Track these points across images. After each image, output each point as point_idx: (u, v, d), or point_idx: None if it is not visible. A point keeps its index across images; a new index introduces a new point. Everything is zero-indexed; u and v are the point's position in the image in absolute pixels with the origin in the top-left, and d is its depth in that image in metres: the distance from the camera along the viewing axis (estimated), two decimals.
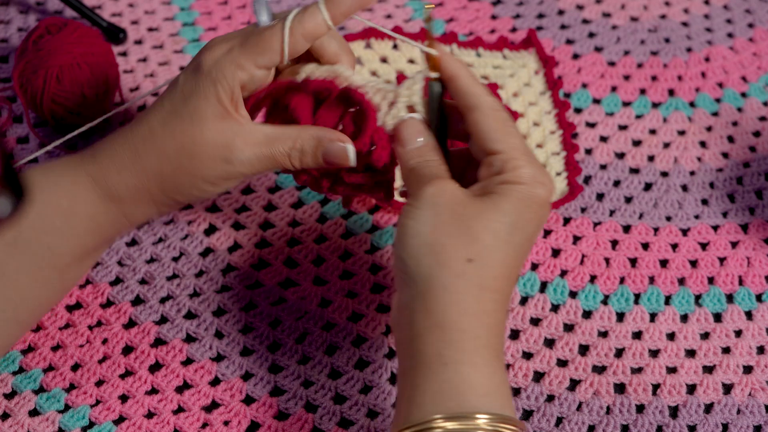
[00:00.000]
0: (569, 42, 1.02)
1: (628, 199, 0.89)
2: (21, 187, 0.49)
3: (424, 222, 0.64)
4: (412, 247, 0.64)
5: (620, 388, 0.77)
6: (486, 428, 0.60)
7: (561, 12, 1.05)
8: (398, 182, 0.79)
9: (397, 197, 0.75)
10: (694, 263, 0.85)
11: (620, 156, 0.93)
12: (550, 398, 0.76)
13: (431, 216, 0.64)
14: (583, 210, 0.88)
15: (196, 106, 0.67)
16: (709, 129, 0.95)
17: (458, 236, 0.63)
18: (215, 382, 0.76)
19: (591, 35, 1.03)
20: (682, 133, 0.95)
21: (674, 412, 0.76)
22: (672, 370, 0.78)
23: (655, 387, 0.77)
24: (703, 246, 0.86)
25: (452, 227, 0.64)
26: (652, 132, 0.95)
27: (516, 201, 0.64)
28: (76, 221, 0.69)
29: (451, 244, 0.63)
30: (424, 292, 0.63)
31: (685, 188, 0.90)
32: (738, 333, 0.81)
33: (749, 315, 0.82)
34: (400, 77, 0.91)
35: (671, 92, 0.98)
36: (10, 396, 0.75)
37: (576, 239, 0.86)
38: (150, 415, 0.75)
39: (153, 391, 0.76)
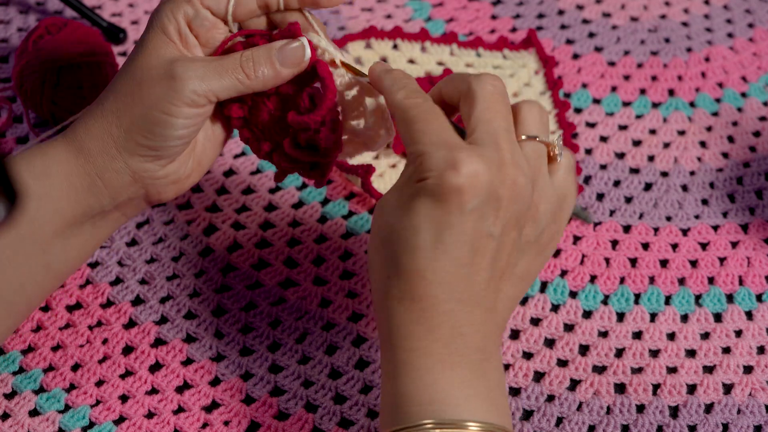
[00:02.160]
0: (569, 42, 1.02)
1: (628, 199, 0.89)
2: (15, 191, 0.49)
3: (370, 241, 0.66)
4: (368, 264, 0.66)
5: (620, 388, 0.77)
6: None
7: (561, 12, 1.05)
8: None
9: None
10: (694, 263, 0.85)
11: (620, 156, 0.93)
12: (551, 398, 0.76)
13: (371, 236, 0.65)
14: (582, 210, 0.88)
15: (145, 42, 0.68)
16: (709, 129, 0.95)
17: (380, 255, 0.64)
18: (215, 382, 0.76)
19: (591, 35, 1.03)
20: (682, 133, 0.95)
21: (674, 412, 0.76)
22: (672, 370, 0.78)
23: (656, 387, 0.77)
24: (703, 246, 0.86)
25: (377, 247, 0.64)
26: (652, 132, 0.95)
27: (424, 198, 0.61)
28: (49, 182, 0.68)
29: (376, 264, 0.64)
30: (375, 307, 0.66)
31: (685, 188, 0.90)
32: (738, 333, 0.81)
33: (749, 315, 0.82)
34: None
35: (671, 92, 0.98)
36: (10, 396, 0.75)
37: (576, 239, 0.86)
38: (150, 415, 0.75)
39: (153, 391, 0.76)
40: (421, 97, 0.65)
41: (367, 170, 0.85)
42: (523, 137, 0.65)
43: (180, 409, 0.75)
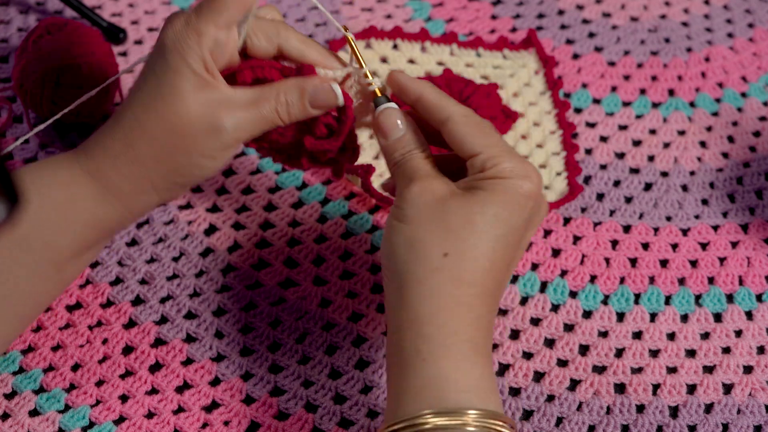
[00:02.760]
0: (569, 42, 1.02)
1: (628, 199, 0.89)
2: (15, 191, 0.49)
3: (406, 220, 0.65)
4: (393, 245, 0.65)
5: (620, 388, 0.77)
6: (474, 424, 0.60)
7: (561, 12, 1.05)
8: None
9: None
10: (694, 263, 0.85)
11: (620, 156, 0.93)
12: (551, 398, 0.76)
13: (413, 214, 0.65)
14: (583, 210, 0.88)
15: (172, 84, 0.66)
16: (709, 129, 0.95)
17: (436, 231, 0.64)
18: (215, 382, 0.76)
19: (591, 35, 1.03)
20: (682, 133, 0.95)
21: (674, 412, 0.76)
22: (672, 370, 0.78)
23: (656, 387, 0.77)
24: (703, 246, 0.86)
25: (431, 223, 0.64)
26: (652, 132, 0.95)
27: (498, 194, 0.64)
28: (74, 216, 0.68)
29: (428, 239, 0.64)
30: (401, 287, 0.64)
31: (685, 188, 0.90)
32: (738, 333, 0.81)
33: (749, 315, 0.82)
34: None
35: (671, 92, 0.98)
36: (10, 396, 0.75)
37: (576, 239, 0.86)
38: (150, 415, 0.75)
39: (153, 391, 0.76)
40: (468, 111, 0.69)
41: (367, 170, 0.85)
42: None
43: (180, 409, 0.75)
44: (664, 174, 0.91)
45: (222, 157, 0.69)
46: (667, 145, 0.94)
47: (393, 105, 0.70)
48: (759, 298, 0.83)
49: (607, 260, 0.85)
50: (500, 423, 0.61)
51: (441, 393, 0.61)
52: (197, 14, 0.67)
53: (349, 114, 0.70)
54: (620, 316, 0.81)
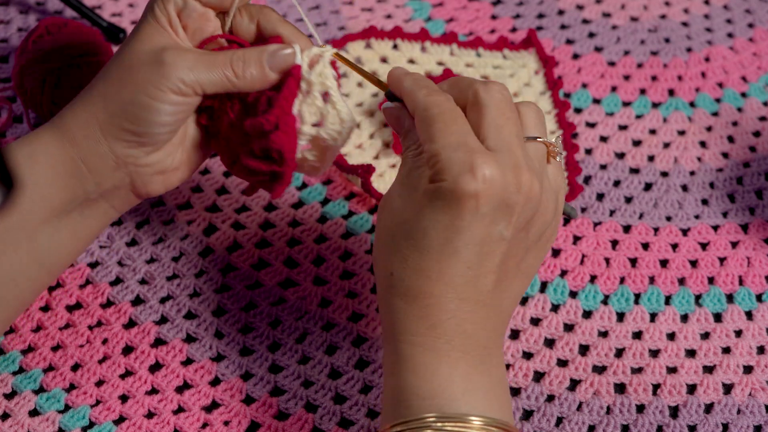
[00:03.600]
0: (569, 42, 1.02)
1: (628, 199, 0.89)
2: (11, 176, 0.49)
3: (375, 238, 0.67)
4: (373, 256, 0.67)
5: (620, 388, 0.77)
6: (435, 426, 0.61)
7: (561, 12, 1.05)
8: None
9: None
10: (694, 263, 0.85)
11: (620, 156, 0.93)
12: (551, 398, 0.76)
13: (377, 233, 0.66)
14: (583, 210, 0.88)
15: (136, 28, 0.70)
16: (709, 129, 0.95)
17: (385, 250, 0.65)
18: (215, 382, 0.76)
19: (591, 35, 1.03)
20: (682, 133, 0.95)
21: (674, 412, 0.76)
22: (672, 370, 0.78)
23: (656, 387, 0.77)
24: (703, 246, 0.86)
25: (384, 242, 0.65)
26: (652, 132, 0.95)
27: (437, 200, 0.62)
28: (36, 169, 0.68)
29: (380, 259, 0.65)
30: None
31: (685, 188, 0.90)
32: (738, 333, 0.81)
33: (749, 315, 0.82)
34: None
35: (671, 92, 0.98)
36: (10, 396, 0.75)
37: (576, 239, 0.86)
38: (150, 415, 0.75)
39: (153, 391, 0.76)
40: (443, 96, 0.65)
41: (367, 170, 0.85)
42: (525, 138, 0.66)
43: (180, 409, 0.75)
44: (664, 174, 0.91)
45: (169, 101, 0.67)
46: (667, 145, 0.94)
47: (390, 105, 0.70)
48: (759, 298, 0.83)
49: (607, 260, 0.85)
50: (460, 424, 0.61)
51: (406, 403, 0.62)
52: None
53: (290, 83, 0.69)
54: (620, 316, 0.81)
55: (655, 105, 0.97)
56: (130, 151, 0.69)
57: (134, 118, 0.68)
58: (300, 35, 0.72)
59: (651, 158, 0.92)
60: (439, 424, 0.60)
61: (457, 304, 0.63)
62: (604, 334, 0.80)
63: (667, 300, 0.83)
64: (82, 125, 0.68)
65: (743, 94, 0.98)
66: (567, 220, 0.87)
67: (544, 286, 0.83)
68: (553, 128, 0.93)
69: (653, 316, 0.82)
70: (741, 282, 0.84)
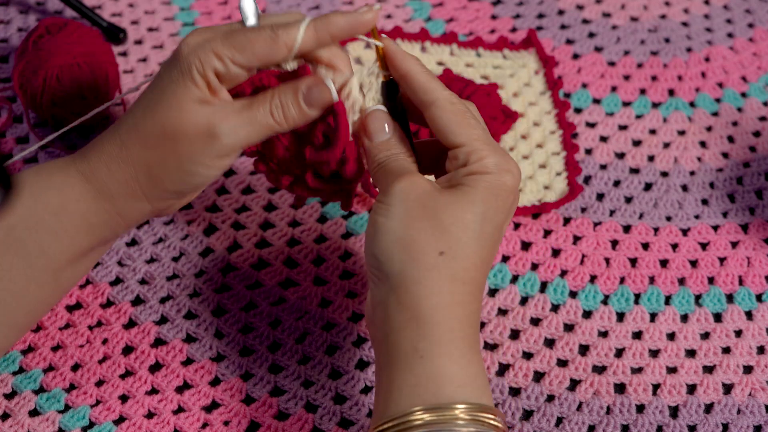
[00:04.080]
0: (569, 42, 1.02)
1: (628, 199, 0.89)
2: (10, 182, 0.49)
3: (394, 218, 0.64)
4: (383, 243, 0.64)
5: (620, 388, 0.77)
6: (464, 417, 0.60)
7: (561, 12, 1.05)
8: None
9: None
10: (694, 263, 0.85)
11: (620, 156, 0.93)
12: (551, 398, 0.76)
13: (402, 211, 0.64)
14: (583, 210, 0.88)
15: (174, 91, 0.67)
16: (709, 129, 0.95)
17: (429, 230, 0.64)
18: (215, 382, 0.76)
19: (591, 35, 1.03)
20: (682, 133, 0.95)
21: (674, 412, 0.76)
22: (672, 370, 0.78)
23: (656, 387, 0.77)
24: (703, 246, 0.86)
25: (423, 221, 0.64)
26: (652, 132, 0.95)
27: (484, 191, 0.64)
28: (67, 219, 0.68)
29: (422, 238, 0.64)
30: (396, 286, 0.64)
31: (685, 188, 0.90)
32: (738, 333, 0.81)
33: (749, 315, 0.82)
34: None
35: (671, 92, 0.98)
36: (10, 396, 0.75)
37: (576, 239, 0.86)
38: (150, 415, 0.75)
39: (153, 391, 0.76)
40: (456, 99, 0.68)
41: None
42: None
43: (180, 409, 0.75)
44: (664, 174, 0.91)
45: (216, 166, 0.68)
46: (667, 145, 0.94)
47: (382, 108, 0.69)
48: (759, 298, 0.83)
49: (607, 260, 0.85)
50: (491, 416, 0.61)
51: (437, 389, 0.61)
52: (224, 40, 0.66)
53: (341, 120, 0.69)
54: (620, 316, 0.81)
55: (655, 105, 0.97)
56: (168, 203, 0.70)
57: (180, 182, 0.68)
58: (338, 54, 0.70)
59: (651, 158, 0.92)
60: (469, 414, 0.61)
61: (482, 291, 0.66)
62: (604, 334, 0.80)
63: (667, 300, 0.83)
64: (122, 186, 0.68)
65: (743, 94, 0.98)
66: (567, 221, 0.87)
67: (544, 286, 0.83)
68: (553, 128, 0.93)
69: (653, 316, 0.82)
70: (741, 282, 0.84)
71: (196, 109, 0.66)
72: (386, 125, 0.69)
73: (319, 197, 0.74)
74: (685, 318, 0.82)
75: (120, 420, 0.74)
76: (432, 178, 0.69)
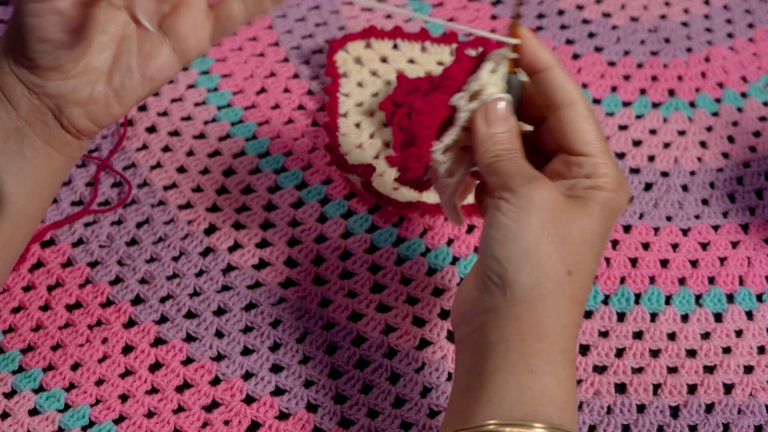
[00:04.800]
0: (569, 42, 1.02)
1: (629, 199, 0.89)
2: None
3: (527, 226, 0.61)
4: (512, 251, 0.61)
5: (621, 388, 0.77)
6: None
7: (561, 12, 1.05)
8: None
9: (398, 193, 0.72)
10: (694, 263, 0.85)
11: (620, 156, 0.93)
12: None
13: (536, 221, 0.61)
14: None
15: None
16: (709, 129, 0.95)
17: (560, 245, 0.62)
18: (215, 381, 0.76)
19: (591, 35, 1.03)
20: (682, 133, 0.95)
21: (675, 412, 0.76)
22: (673, 370, 0.78)
23: (656, 387, 0.77)
24: (704, 246, 0.86)
25: (555, 236, 0.62)
26: (652, 132, 0.95)
27: (606, 209, 0.63)
28: None
29: (554, 254, 0.61)
30: (520, 299, 0.61)
31: (685, 188, 0.90)
32: (738, 333, 0.81)
33: (750, 315, 0.82)
34: (401, 77, 0.91)
35: (671, 92, 0.98)
36: (9, 395, 0.75)
37: None
38: (150, 414, 0.75)
39: (153, 390, 0.76)
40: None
41: (367, 170, 0.85)
42: None
43: (180, 409, 0.75)
44: (664, 174, 0.91)
45: (36, 12, 0.62)
46: (667, 145, 0.94)
47: (508, 97, 0.66)
48: (759, 298, 0.83)
49: (608, 260, 0.85)
50: None
51: (540, 407, 0.60)
52: None
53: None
54: (620, 316, 0.81)
55: (655, 105, 0.97)
56: (30, 77, 0.65)
57: (17, 36, 0.64)
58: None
59: (651, 158, 0.92)
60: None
61: (583, 306, 0.65)
62: (604, 334, 0.80)
63: (668, 300, 0.83)
64: None
65: (743, 94, 0.98)
66: None
67: None
68: None
69: (653, 316, 0.82)
70: (741, 282, 0.84)
71: None
72: (511, 117, 0.65)
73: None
74: (685, 318, 0.82)
75: (120, 419, 0.74)
76: None
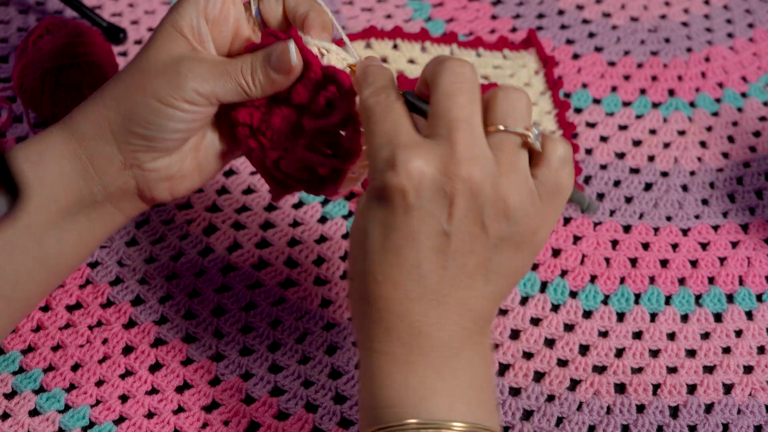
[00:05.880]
0: (569, 42, 1.02)
1: (628, 199, 0.89)
2: (17, 185, 0.49)
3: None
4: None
5: (620, 388, 0.77)
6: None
7: (561, 12, 1.05)
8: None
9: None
10: (694, 263, 0.85)
11: (620, 156, 0.93)
12: (551, 398, 0.76)
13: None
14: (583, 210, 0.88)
15: (153, 34, 0.68)
16: (709, 129, 0.95)
17: (349, 256, 0.64)
18: (215, 381, 0.76)
19: (591, 35, 1.03)
20: (682, 133, 0.95)
21: (674, 412, 0.76)
22: (672, 370, 0.78)
23: (656, 387, 0.77)
24: (704, 246, 0.86)
25: (350, 247, 0.64)
26: (652, 132, 0.95)
27: (368, 200, 0.61)
28: (43, 168, 0.67)
29: (348, 264, 0.65)
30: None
31: (685, 188, 0.90)
32: (738, 333, 0.81)
33: (749, 315, 0.82)
34: (400, 77, 0.91)
35: (671, 92, 0.98)
36: (10, 396, 0.75)
37: (576, 239, 0.86)
38: (150, 415, 0.75)
39: (153, 391, 0.76)
40: (383, 94, 0.63)
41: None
42: (492, 128, 0.62)
43: (180, 409, 0.75)
44: (664, 174, 0.92)
45: (183, 110, 0.66)
46: (667, 145, 0.94)
47: (376, 58, 0.67)
48: (759, 298, 0.83)
49: (607, 260, 0.85)
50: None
51: (405, 407, 0.61)
52: None
53: (346, 88, 0.67)
54: (620, 316, 0.81)
55: (655, 105, 0.97)
56: (137, 154, 0.68)
57: (145, 121, 0.67)
58: (326, 24, 0.69)
59: (651, 158, 0.92)
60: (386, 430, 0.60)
61: (407, 305, 0.61)
62: (604, 334, 0.80)
63: (667, 300, 0.83)
64: (91, 124, 0.68)
65: (743, 94, 0.98)
66: (567, 221, 0.87)
67: (544, 286, 0.83)
68: (553, 128, 0.93)
69: (653, 316, 0.82)
70: (741, 282, 0.84)
71: (170, 46, 0.67)
72: (380, 67, 0.65)
73: (302, 185, 0.71)
74: (685, 318, 0.82)
75: (120, 420, 0.74)
76: None
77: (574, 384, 0.77)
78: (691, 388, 0.78)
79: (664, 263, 0.85)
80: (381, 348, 0.61)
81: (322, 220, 0.86)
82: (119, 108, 0.67)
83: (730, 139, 0.94)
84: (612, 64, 1.00)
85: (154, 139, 0.68)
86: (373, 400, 0.61)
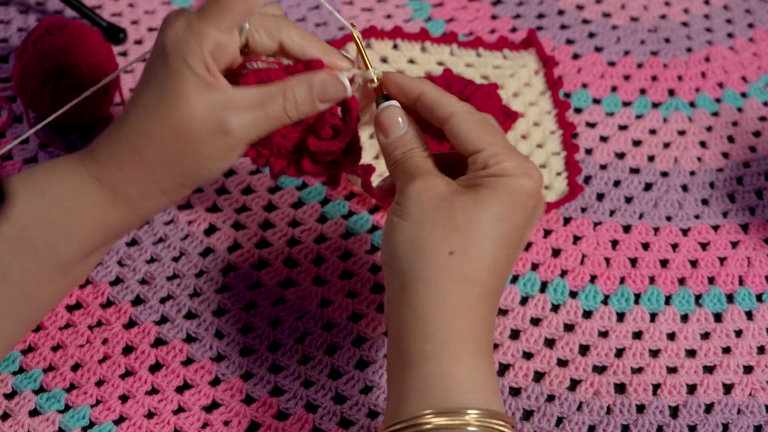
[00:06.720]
0: (569, 42, 1.02)
1: (628, 199, 0.89)
2: (3, 190, 0.49)
3: (409, 218, 0.65)
4: (395, 243, 0.65)
5: (620, 388, 0.77)
6: (475, 424, 0.60)
7: (561, 12, 1.05)
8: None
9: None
10: (694, 263, 0.85)
11: (620, 156, 0.93)
12: (551, 398, 0.76)
13: (416, 211, 0.65)
14: (583, 210, 0.88)
15: (176, 88, 0.66)
16: (709, 129, 0.95)
17: (440, 229, 0.64)
18: (215, 382, 0.76)
19: (591, 35, 1.03)
20: (682, 133, 0.95)
21: (674, 412, 0.76)
22: (672, 370, 0.78)
23: (656, 387, 0.77)
24: (704, 246, 0.86)
25: (435, 221, 0.64)
26: (652, 132, 0.95)
27: (501, 192, 0.64)
28: (81, 221, 0.68)
29: (432, 237, 0.64)
30: (405, 286, 0.64)
31: (685, 188, 0.90)
32: (738, 333, 0.81)
33: (749, 315, 0.82)
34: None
35: (671, 92, 0.98)
36: (10, 396, 0.75)
37: (576, 239, 0.86)
38: (150, 415, 0.75)
39: (153, 391, 0.76)
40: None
41: (367, 170, 0.85)
42: None
43: (180, 409, 0.75)
44: (664, 174, 0.92)
45: (228, 158, 0.68)
46: (667, 145, 0.94)
47: (395, 103, 0.69)
48: (759, 298, 0.83)
49: (607, 260, 0.85)
50: (502, 423, 0.61)
51: (445, 393, 0.61)
52: (199, 16, 0.66)
53: (353, 114, 0.70)
54: (620, 316, 0.81)
55: (655, 105, 0.97)
56: (187, 192, 0.71)
57: (197, 177, 0.69)
58: (332, 52, 0.71)
59: (651, 158, 0.92)
60: (480, 420, 0.61)
61: (496, 298, 0.65)
62: (604, 334, 0.80)
63: (667, 300, 0.83)
64: (138, 187, 0.68)
65: (743, 94, 0.98)
66: (567, 221, 0.87)
67: (544, 286, 0.83)
68: (553, 128, 0.93)
69: (653, 316, 0.82)
70: (741, 282, 0.84)
71: (203, 102, 0.66)
72: (400, 120, 0.69)
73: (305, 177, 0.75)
74: (685, 318, 0.82)
75: (120, 420, 0.74)
76: None
77: (574, 384, 0.77)
78: (691, 388, 0.78)
79: (664, 263, 0.85)
80: (469, 332, 0.63)
81: (322, 220, 0.86)
82: (168, 172, 0.68)
83: (730, 139, 0.94)
84: (612, 64, 1.00)
85: (202, 184, 0.72)
86: (456, 380, 0.62)
